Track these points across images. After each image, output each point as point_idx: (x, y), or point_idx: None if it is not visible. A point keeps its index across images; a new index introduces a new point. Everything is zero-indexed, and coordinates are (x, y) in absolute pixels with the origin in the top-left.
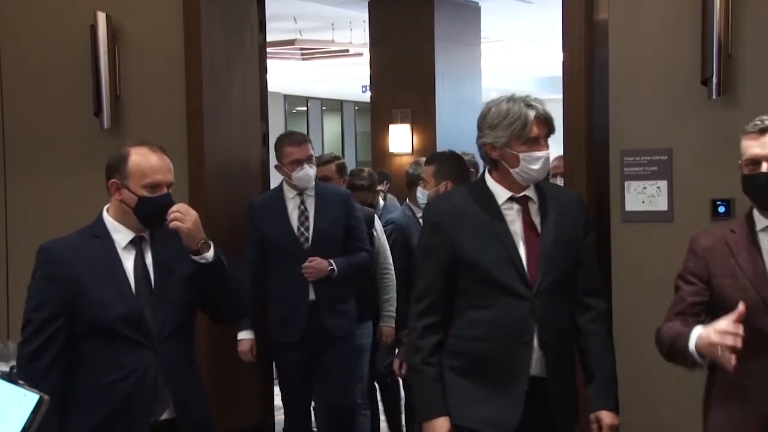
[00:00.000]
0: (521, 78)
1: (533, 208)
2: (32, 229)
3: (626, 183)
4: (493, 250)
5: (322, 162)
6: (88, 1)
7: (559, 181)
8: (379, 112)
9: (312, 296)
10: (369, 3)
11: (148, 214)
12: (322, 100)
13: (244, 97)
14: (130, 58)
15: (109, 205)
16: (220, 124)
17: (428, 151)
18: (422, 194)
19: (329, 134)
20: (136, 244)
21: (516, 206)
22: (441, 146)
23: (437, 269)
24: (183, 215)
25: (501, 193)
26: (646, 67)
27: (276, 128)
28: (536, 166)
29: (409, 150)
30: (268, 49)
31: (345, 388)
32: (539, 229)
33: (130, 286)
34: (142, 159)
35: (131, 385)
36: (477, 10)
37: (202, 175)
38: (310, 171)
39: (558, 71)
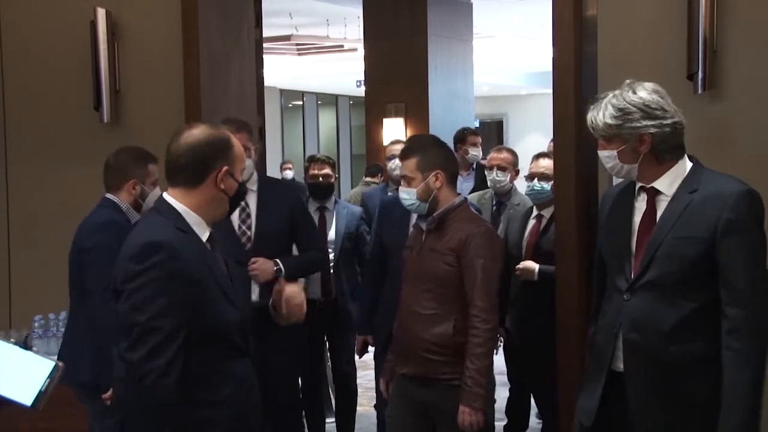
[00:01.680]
0: (512, 73)
1: (663, 201)
2: (34, 220)
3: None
4: (613, 242)
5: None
6: None
7: (499, 176)
8: (373, 106)
9: (254, 297)
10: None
11: (238, 201)
12: (317, 94)
13: (241, 92)
14: (130, 53)
15: (176, 194)
16: (218, 118)
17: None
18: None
19: (324, 128)
20: (210, 241)
21: (645, 197)
22: None
23: (597, 259)
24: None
25: (638, 184)
26: (634, 62)
27: (272, 122)
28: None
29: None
30: (265, 45)
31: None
32: (657, 222)
33: (233, 289)
34: (238, 143)
35: (244, 398)
36: (469, 6)
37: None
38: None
39: (548, 66)
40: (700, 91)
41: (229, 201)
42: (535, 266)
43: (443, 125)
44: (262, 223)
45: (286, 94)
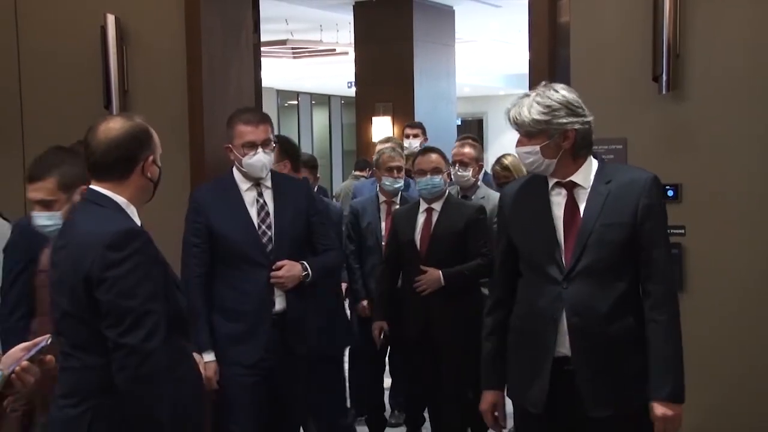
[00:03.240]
0: (492, 75)
1: (581, 193)
2: None
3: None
4: (536, 234)
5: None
6: (98, 4)
7: (461, 171)
8: (363, 105)
9: (279, 306)
10: (354, 6)
11: (156, 187)
12: (311, 94)
13: (240, 92)
14: (137, 56)
15: (112, 188)
16: (219, 117)
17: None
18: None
19: (318, 126)
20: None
21: (563, 191)
22: None
23: (500, 250)
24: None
25: (551, 180)
26: (604, 65)
27: None
28: (521, 160)
29: None
30: (262, 49)
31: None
32: (582, 213)
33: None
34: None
35: (197, 375)
36: (451, 13)
37: (203, 163)
38: (263, 157)
39: (525, 69)
40: (664, 92)
41: (155, 188)
42: (438, 273)
43: (427, 123)
44: (282, 221)
45: (283, 95)
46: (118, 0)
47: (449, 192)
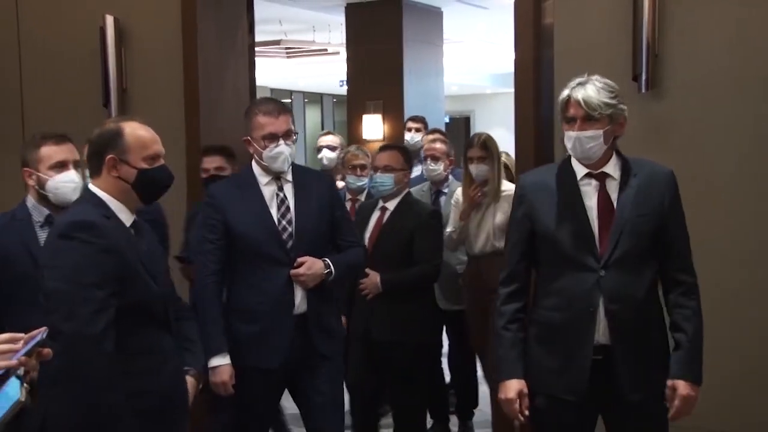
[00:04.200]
0: (479, 74)
1: (612, 184)
2: None
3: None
4: (567, 223)
5: (206, 151)
6: (97, 5)
7: (432, 165)
8: (354, 103)
9: (302, 308)
10: (345, 8)
11: (151, 187)
12: (304, 93)
13: (235, 91)
14: (135, 56)
15: (95, 183)
16: (214, 115)
17: (397, 137)
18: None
19: (310, 123)
20: (135, 227)
21: (594, 182)
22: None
23: (519, 240)
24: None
25: (580, 170)
26: (586, 64)
27: None
28: (569, 144)
29: (381, 137)
30: (257, 49)
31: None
32: (615, 204)
33: (155, 272)
34: (140, 131)
35: (172, 369)
36: (440, 14)
37: (199, 160)
38: (285, 149)
39: (511, 68)
40: (643, 91)
41: (135, 187)
42: (377, 278)
43: None
44: (303, 216)
45: (276, 93)
46: (117, 1)
47: (408, 192)
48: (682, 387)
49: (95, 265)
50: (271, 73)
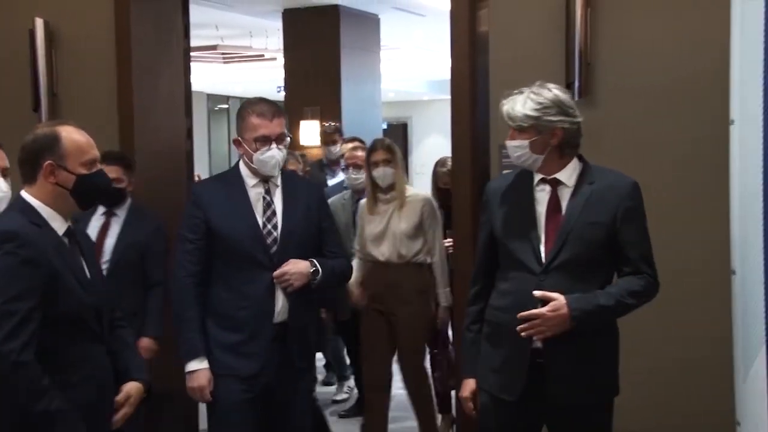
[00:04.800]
0: (416, 81)
1: (565, 191)
2: None
3: (504, 172)
4: (517, 228)
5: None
6: (27, 7)
7: (357, 174)
8: (291, 109)
9: (282, 316)
10: (282, 14)
11: (89, 193)
12: (241, 98)
13: (170, 96)
14: (66, 59)
15: (28, 191)
16: (149, 120)
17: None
18: None
19: None
20: (69, 235)
21: (547, 188)
22: None
23: (482, 243)
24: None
25: (536, 176)
26: (521, 72)
27: (200, 124)
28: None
29: (318, 143)
30: (193, 53)
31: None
32: (564, 210)
33: (89, 281)
34: (77, 136)
35: (100, 380)
36: (376, 21)
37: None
38: (277, 154)
39: (447, 75)
40: (576, 99)
41: (74, 194)
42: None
43: (354, 126)
44: (290, 223)
45: (213, 99)
46: (48, 4)
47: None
48: (559, 300)
49: (19, 277)
50: (208, 78)
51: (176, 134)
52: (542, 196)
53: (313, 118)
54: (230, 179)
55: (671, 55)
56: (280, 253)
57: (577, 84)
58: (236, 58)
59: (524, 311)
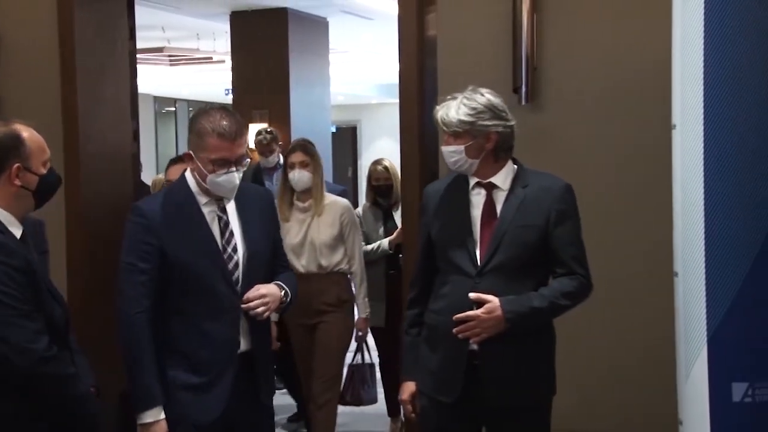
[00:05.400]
0: (365, 84)
1: (499, 194)
2: None
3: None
4: (452, 231)
5: None
6: None
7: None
8: (240, 112)
9: (245, 346)
10: (230, 16)
11: (48, 193)
12: (188, 101)
13: (116, 98)
14: (10, 62)
15: None
16: (94, 122)
17: (283, 146)
18: None
19: None
20: (23, 240)
21: (482, 191)
22: None
23: (422, 247)
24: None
25: (472, 180)
26: (469, 76)
27: (147, 127)
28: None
29: None
30: (139, 55)
31: None
32: (498, 213)
33: (54, 287)
34: (35, 135)
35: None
36: (325, 24)
37: (78, 169)
38: (235, 178)
39: (396, 79)
40: (523, 103)
41: (36, 194)
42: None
43: (303, 129)
44: (251, 242)
45: (160, 101)
46: None
47: None
48: (493, 303)
49: (10, 285)
50: (154, 80)
51: (122, 137)
52: (477, 199)
53: (261, 121)
54: (179, 197)
55: (615, 60)
56: (245, 278)
57: (524, 88)
58: (183, 60)
59: (460, 313)
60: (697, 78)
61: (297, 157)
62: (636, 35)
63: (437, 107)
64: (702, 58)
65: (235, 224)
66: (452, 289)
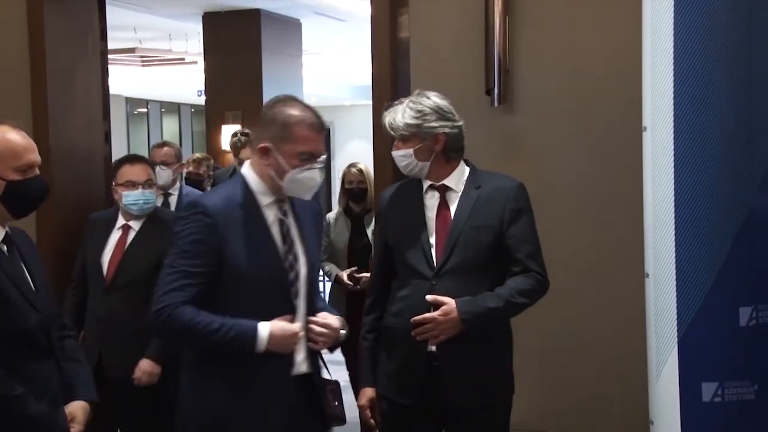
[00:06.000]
0: (338, 86)
1: (453, 196)
2: None
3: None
4: (409, 234)
5: None
6: None
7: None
8: (212, 113)
9: (302, 367)
10: (203, 17)
11: (23, 201)
12: (161, 102)
13: (87, 99)
14: None
15: None
16: (65, 123)
17: None
18: None
19: (168, 134)
20: (7, 242)
21: (436, 194)
22: None
23: (377, 253)
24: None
25: (425, 183)
26: (441, 78)
27: (118, 128)
28: (397, 163)
29: None
30: (111, 56)
31: None
32: (453, 215)
33: (34, 293)
34: (12, 138)
35: (48, 396)
36: (298, 25)
37: (49, 170)
38: (318, 175)
39: (369, 81)
40: (496, 105)
41: (5, 201)
42: None
43: None
44: (309, 253)
45: (132, 102)
46: None
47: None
48: (449, 304)
49: None
50: (126, 81)
51: (94, 138)
52: (431, 202)
53: (234, 122)
54: (240, 197)
55: (586, 62)
56: (304, 292)
57: (496, 90)
58: (156, 61)
59: (417, 316)
60: (668, 80)
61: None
62: (607, 37)
63: (385, 113)
64: (672, 61)
65: (294, 231)
66: (410, 291)
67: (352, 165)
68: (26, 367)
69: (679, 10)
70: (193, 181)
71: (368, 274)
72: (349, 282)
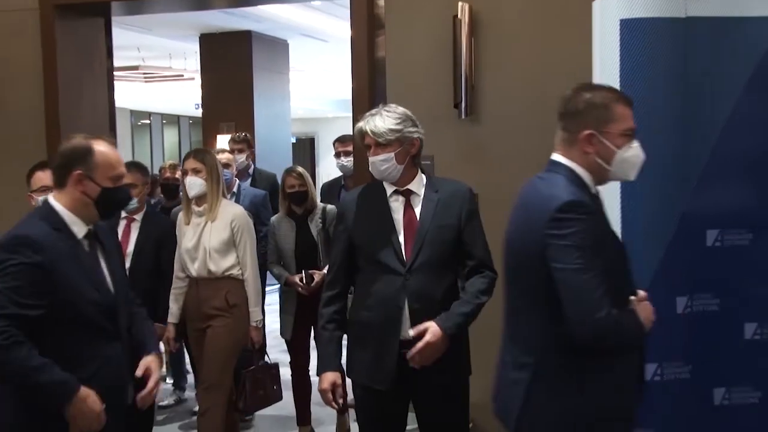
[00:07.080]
0: (322, 100)
1: (417, 200)
2: None
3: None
4: (378, 235)
5: None
6: None
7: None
8: (208, 124)
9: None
10: (199, 37)
11: (111, 205)
12: (162, 114)
13: (95, 112)
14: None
15: (55, 195)
16: (75, 133)
17: (250, 157)
18: None
19: (168, 143)
20: (90, 238)
21: (401, 198)
22: (259, 151)
23: (339, 251)
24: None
25: (389, 188)
26: (414, 93)
27: (124, 138)
28: (370, 168)
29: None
30: (116, 73)
31: None
32: (418, 216)
33: (103, 282)
34: (108, 151)
35: (110, 374)
36: (286, 45)
37: None
38: (642, 151)
39: (349, 95)
40: (463, 117)
41: (97, 204)
42: None
43: (266, 140)
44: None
45: (136, 114)
46: None
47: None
48: (432, 326)
49: (21, 281)
50: (130, 95)
51: None
52: (396, 205)
53: (228, 132)
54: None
55: (543, 78)
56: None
57: (463, 104)
58: (157, 77)
59: (390, 308)
60: None
61: (189, 164)
62: (561, 56)
63: (359, 123)
64: (618, 76)
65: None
66: (383, 286)
67: (290, 170)
68: (88, 348)
69: (624, 29)
70: (170, 186)
71: (321, 273)
72: (300, 283)
